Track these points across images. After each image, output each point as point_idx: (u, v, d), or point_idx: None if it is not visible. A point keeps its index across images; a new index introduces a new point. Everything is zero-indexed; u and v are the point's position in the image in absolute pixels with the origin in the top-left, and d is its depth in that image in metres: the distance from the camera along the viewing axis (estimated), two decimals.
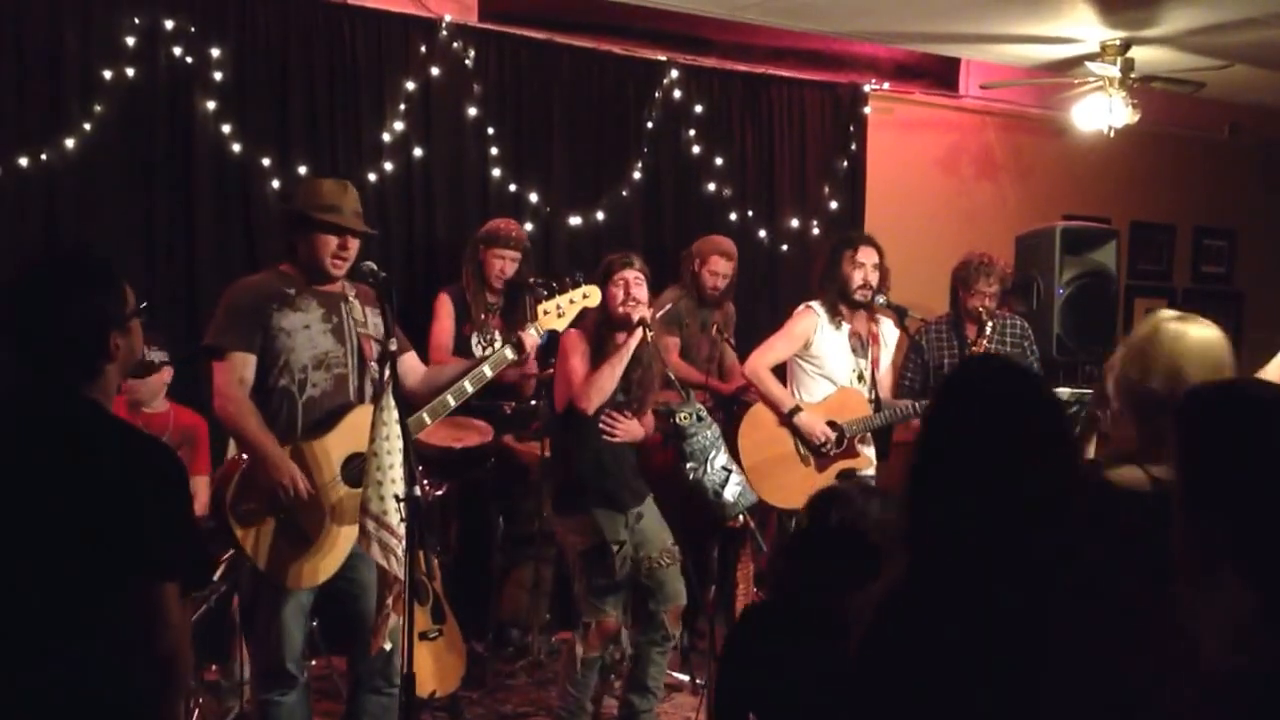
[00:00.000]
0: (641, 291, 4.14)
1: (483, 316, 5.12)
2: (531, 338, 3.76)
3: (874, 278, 4.81)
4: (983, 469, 1.75)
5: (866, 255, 4.81)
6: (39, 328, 2.10)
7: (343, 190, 3.55)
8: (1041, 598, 1.68)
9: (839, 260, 4.82)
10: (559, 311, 3.87)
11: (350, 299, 3.56)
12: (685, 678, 4.95)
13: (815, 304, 4.87)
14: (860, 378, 4.87)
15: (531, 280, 5.11)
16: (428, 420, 3.60)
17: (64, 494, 2.01)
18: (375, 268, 3.40)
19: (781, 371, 4.95)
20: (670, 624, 4.20)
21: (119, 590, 2.03)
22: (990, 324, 5.17)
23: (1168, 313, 2.45)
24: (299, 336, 3.45)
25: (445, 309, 5.12)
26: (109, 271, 2.18)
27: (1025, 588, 1.68)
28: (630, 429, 4.16)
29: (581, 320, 4.07)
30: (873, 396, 4.87)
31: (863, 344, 4.88)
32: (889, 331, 5.03)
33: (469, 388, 3.64)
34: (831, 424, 4.73)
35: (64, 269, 2.19)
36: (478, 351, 5.05)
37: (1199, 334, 2.37)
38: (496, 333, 5.15)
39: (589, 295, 3.95)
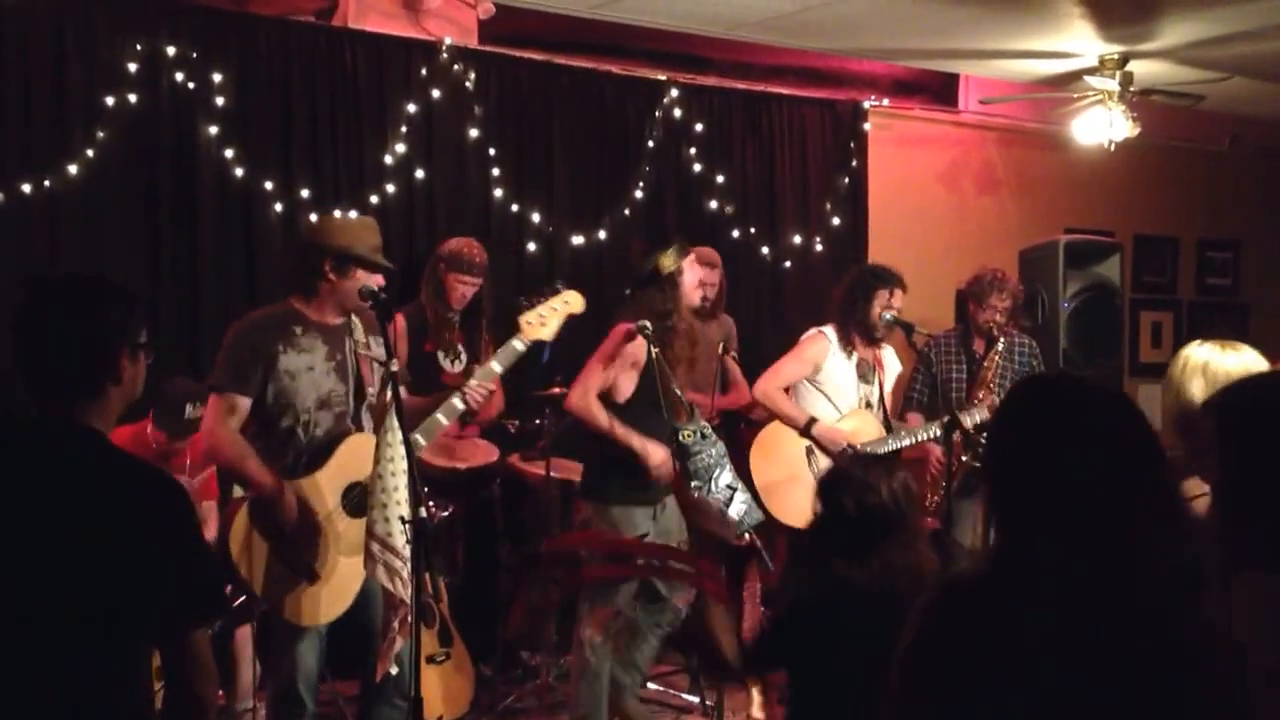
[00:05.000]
0: None
1: (446, 335, 5.05)
2: (481, 389, 3.66)
3: None
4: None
5: (899, 300, 4.74)
6: (50, 332, 2.06)
7: (375, 228, 3.63)
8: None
9: (871, 296, 4.71)
10: (541, 320, 3.82)
11: (354, 327, 3.59)
12: (695, 699, 4.91)
13: (828, 330, 4.79)
14: (868, 405, 4.84)
15: (484, 304, 5.04)
16: (422, 440, 3.61)
17: (69, 534, 1.96)
18: (376, 290, 3.41)
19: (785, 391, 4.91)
20: (679, 607, 4.14)
21: (138, 633, 2.01)
22: (1001, 340, 5.15)
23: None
24: (303, 379, 3.48)
25: (399, 335, 4.99)
26: (129, 296, 2.17)
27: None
28: None
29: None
30: (882, 420, 4.84)
31: (870, 370, 4.86)
32: (890, 359, 4.98)
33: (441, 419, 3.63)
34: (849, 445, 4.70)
35: (84, 282, 2.16)
36: (447, 366, 5.01)
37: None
38: (460, 347, 5.07)
39: (570, 301, 3.90)
